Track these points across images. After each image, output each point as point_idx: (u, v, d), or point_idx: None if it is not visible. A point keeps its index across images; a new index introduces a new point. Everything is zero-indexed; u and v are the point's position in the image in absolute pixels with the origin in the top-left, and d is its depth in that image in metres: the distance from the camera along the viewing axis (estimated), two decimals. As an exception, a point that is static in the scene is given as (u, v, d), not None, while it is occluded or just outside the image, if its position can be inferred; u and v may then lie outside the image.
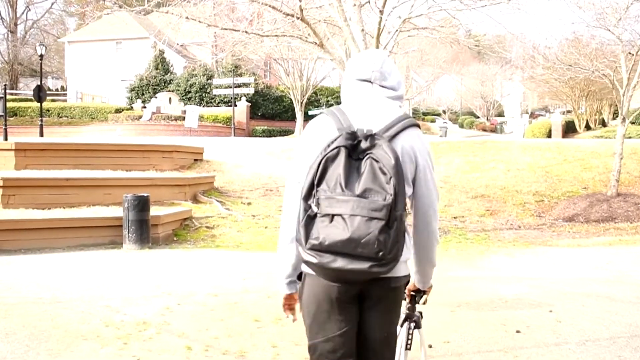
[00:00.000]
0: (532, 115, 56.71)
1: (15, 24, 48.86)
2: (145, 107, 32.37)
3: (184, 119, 29.77)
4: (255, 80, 32.54)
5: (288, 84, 31.30)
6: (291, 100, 32.30)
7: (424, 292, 2.48)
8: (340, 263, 1.90)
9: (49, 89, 44.61)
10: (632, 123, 13.40)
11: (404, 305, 2.46)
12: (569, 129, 36.56)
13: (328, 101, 36.10)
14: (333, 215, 1.90)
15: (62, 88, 46.71)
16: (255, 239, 9.19)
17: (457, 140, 20.15)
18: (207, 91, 34.48)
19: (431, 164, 2.16)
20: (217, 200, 11.16)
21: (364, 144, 1.97)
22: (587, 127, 37.80)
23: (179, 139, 19.29)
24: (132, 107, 33.80)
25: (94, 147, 12.35)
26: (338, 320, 2.08)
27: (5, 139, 17.95)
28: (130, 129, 29.29)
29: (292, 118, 34.14)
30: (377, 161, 1.93)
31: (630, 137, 15.09)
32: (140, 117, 31.09)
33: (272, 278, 5.74)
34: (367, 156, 1.95)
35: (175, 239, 9.08)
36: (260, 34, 10.36)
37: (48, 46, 41.98)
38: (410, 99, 49.98)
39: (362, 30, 9.77)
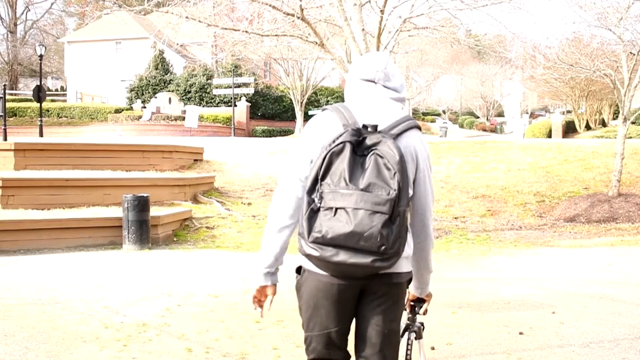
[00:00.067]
0: (532, 115, 56.68)
1: (15, 24, 48.83)
2: (145, 107, 32.33)
3: (183, 119, 29.74)
4: (255, 80, 32.51)
5: (288, 84, 31.28)
6: (291, 100, 32.27)
7: (424, 301, 2.44)
8: (342, 257, 1.91)
9: (49, 89, 44.61)
10: (633, 123, 13.37)
11: (405, 316, 2.42)
12: (569, 129, 36.54)
13: (328, 101, 36.06)
14: (336, 209, 1.91)
15: (62, 88, 46.68)
16: (255, 239, 9.15)
17: (458, 140, 20.12)
18: (207, 91, 34.45)
19: (430, 167, 2.18)
20: (217, 201, 11.13)
21: (369, 140, 1.98)
22: (587, 127, 37.79)
23: (178, 139, 19.26)
24: (131, 107, 33.76)
25: (93, 147, 12.31)
26: (335, 316, 2.09)
27: (5, 139, 17.91)
28: (130, 129, 29.25)
29: (292, 118, 34.12)
30: (381, 157, 1.95)
31: (630, 137, 15.05)
32: (140, 117, 31.05)
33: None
34: (372, 152, 1.97)
35: (175, 239, 9.04)
36: (260, 34, 10.33)
37: (48, 46, 41.92)
38: (410, 99, 49.96)
39: (363, 30, 9.74)
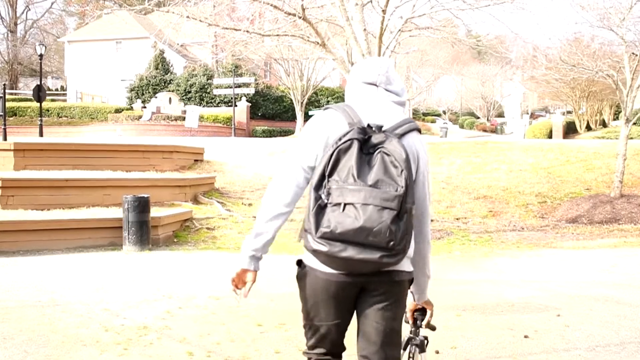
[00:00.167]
0: (532, 116, 56.63)
1: (15, 24, 48.78)
2: (145, 107, 32.28)
3: (184, 119, 29.69)
4: (255, 80, 32.46)
5: (288, 84, 31.23)
6: (291, 100, 32.22)
7: (426, 313, 2.38)
8: (350, 252, 1.92)
9: (49, 89, 44.53)
10: (634, 124, 13.28)
11: (407, 329, 2.37)
12: (570, 130, 36.51)
13: (328, 101, 36.01)
14: (345, 205, 1.93)
15: (62, 88, 46.62)
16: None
17: (459, 141, 20.07)
18: (207, 91, 34.40)
19: (428, 170, 2.22)
20: (218, 201, 11.07)
21: (374, 139, 2.01)
22: (588, 128, 37.75)
23: (179, 139, 19.20)
24: (132, 107, 33.71)
25: (93, 147, 12.26)
26: (334, 313, 2.12)
27: (5, 139, 17.86)
28: (130, 129, 29.20)
29: (293, 118, 34.07)
30: (388, 155, 1.98)
31: (632, 138, 14.99)
32: (140, 117, 31.00)
33: (274, 281, 5.65)
34: (379, 150, 1.99)
35: (175, 240, 8.99)
36: (261, 34, 10.28)
37: (48, 46, 41.91)
38: (411, 99, 49.92)
39: (365, 30, 9.69)
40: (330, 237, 1.93)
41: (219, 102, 34.49)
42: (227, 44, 13.92)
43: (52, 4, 52.83)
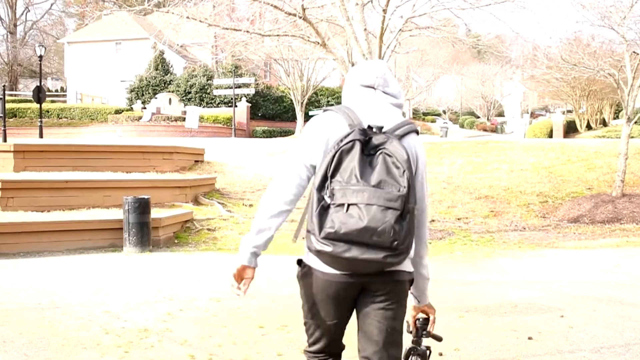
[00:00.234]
0: (532, 115, 56.60)
1: (15, 25, 48.76)
2: (145, 108, 32.25)
3: (184, 119, 29.66)
4: (255, 80, 32.43)
5: (288, 85, 31.20)
6: (291, 100, 32.19)
7: (428, 320, 2.34)
8: (354, 252, 1.93)
9: (49, 90, 44.51)
10: (635, 123, 13.22)
11: (408, 337, 2.34)
12: (570, 129, 36.47)
13: (329, 102, 35.99)
14: (348, 205, 1.94)
15: (62, 89, 46.59)
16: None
17: (460, 141, 20.04)
18: (207, 92, 34.37)
19: (426, 171, 2.23)
20: (219, 202, 11.04)
21: (375, 140, 2.03)
22: (588, 127, 37.71)
23: (179, 140, 19.16)
24: (132, 108, 33.68)
25: (93, 148, 12.23)
26: (334, 313, 2.14)
27: (5, 140, 17.83)
28: (130, 130, 29.18)
29: (293, 118, 34.04)
30: (390, 156, 2.00)
31: (633, 137, 14.94)
32: (140, 118, 30.97)
33: (275, 282, 5.62)
34: (380, 151, 2.01)
35: (176, 241, 8.96)
36: (261, 34, 10.25)
37: (47, 47, 41.85)
38: (411, 99, 49.91)
39: (365, 29, 9.66)
40: (334, 237, 1.93)
41: (219, 103, 34.46)
42: (227, 45, 13.89)
43: (51, 5, 52.87)
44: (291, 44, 13.35)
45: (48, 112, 31.96)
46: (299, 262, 2.18)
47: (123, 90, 37.19)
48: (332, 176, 1.99)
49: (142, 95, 34.95)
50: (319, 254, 1.99)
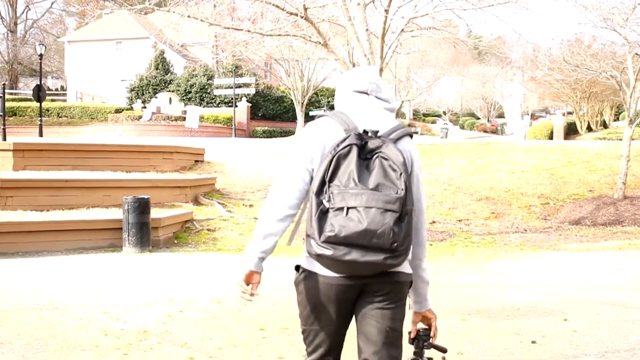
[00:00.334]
0: (533, 117, 56.60)
1: (15, 24, 48.69)
2: (145, 108, 32.20)
3: (184, 119, 29.62)
4: (255, 80, 32.38)
5: (289, 85, 31.17)
6: (292, 100, 32.15)
7: (430, 332, 2.27)
8: (354, 255, 1.94)
9: (49, 89, 44.46)
10: (637, 125, 13.15)
11: (410, 348, 2.29)
12: (571, 131, 36.46)
13: (329, 102, 35.95)
14: (348, 208, 1.96)
15: (62, 88, 46.55)
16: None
17: (460, 142, 19.99)
18: (208, 91, 34.33)
19: (421, 173, 2.25)
20: (219, 202, 10.99)
21: (371, 144, 2.06)
22: (589, 129, 37.71)
23: (179, 140, 19.12)
24: (132, 108, 33.63)
25: (93, 147, 12.18)
26: (333, 316, 2.14)
27: (4, 139, 17.77)
28: (130, 129, 29.12)
29: (293, 119, 33.99)
30: (386, 159, 2.02)
31: (634, 139, 14.90)
32: (141, 117, 30.92)
33: (276, 284, 5.57)
34: (376, 155, 2.04)
35: (176, 242, 8.91)
36: (262, 34, 10.20)
37: (48, 46, 41.82)
38: (411, 100, 49.88)
39: (367, 30, 9.62)
40: (334, 241, 1.94)
41: (219, 103, 34.41)
42: (228, 44, 13.84)
43: (52, 3, 52.84)
44: (292, 44, 13.31)
45: (48, 111, 31.92)
46: (297, 267, 2.18)
47: (123, 90, 37.14)
48: (330, 180, 2.01)
49: (143, 94, 34.89)
50: (319, 257, 2.01)
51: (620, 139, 18.65)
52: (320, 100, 36.07)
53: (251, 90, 31.76)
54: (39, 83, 24.36)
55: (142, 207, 8.10)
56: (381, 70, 9.89)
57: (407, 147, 2.17)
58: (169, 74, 35.78)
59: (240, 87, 30.96)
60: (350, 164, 2.01)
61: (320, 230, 1.97)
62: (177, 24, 10.40)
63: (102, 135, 26.98)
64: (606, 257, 8.12)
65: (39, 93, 22.83)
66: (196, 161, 13.90)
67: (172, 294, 5.72)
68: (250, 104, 33.90)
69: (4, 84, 21.41)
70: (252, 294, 2.13)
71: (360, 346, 2.14)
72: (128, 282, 6.26)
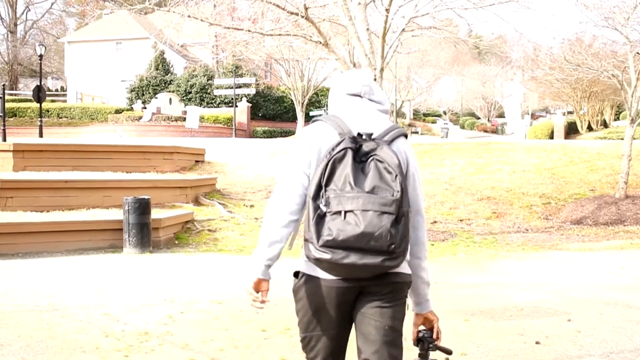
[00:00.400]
0: (533, 116, 56.57)
1: (15, 24, 48.67)
2: (145, 108, 32.17)
3: (184, 119, 29.59)
4: (256, 80, 32.35)
5: (289, 85, 31.15)
6: (292, 101, 32.13)
7: (432, 336, 2.24)
8: (352, 258, 1.96)
9: (49, 90, 44.45)
10: (638, 124, 13.07)
11: (415, 350, 2.26)
12: (571, 130, 36.43)
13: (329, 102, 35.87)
14: (345, 212, 1.97)
15: (62, 88, 46.52)
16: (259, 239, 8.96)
17: (461, 142, 19.97)
18: (208, 92, 34.30)
19: (418, 172, 2.25)
20: (219, 203, 10.96)
21: (366, 147, 2.07)
22: (589, 129, 37.68)
23: (179, 140, 19.07)
24: (132, 108, 33.60)
25: (93, 148, 12.14)
26: (334, 319, 2.14)
27: (4, 139, 17.74)
28: (131, 129, 29.09)
29: (293, 119, 33.96)
30: (381, 162, 2.04)
31: (635, 139, 14.88)
32: (141, 117, 30.89)
33: (277, 285, 5.52)
34: (371, 158, 2.05)
35: (176, 242, 8.88)
36: (263, 33, 10.17)
37: (48, 46, 41.77)
38: (411, 100, 49.85)
39: (367, 29, 9.59)
40: (332, 244, 1.96)
41: (219, 103, 34.38)
42: (228, 44, 13.81)
43: (52, 4, 52.78)
44: (292, 43, 13.28)
45: (48, 111, 31.89)
46: (296, 274, 2.20)
47: (123, 90, 37.11)
48: (327, 185, 2.03)
49: (143, 95, 34.87)
50: (318, 261, 2.02)
51: (621, 139, 18.62)
52: (321, 100, 36.03)
53: (251, 91, 31.73)
54: (39, 84, 24.33)
55: (142, 208, 8.07)
56: (382, 69, 9.86)
57: (402, 148, 2.18)
58: (169, 75, 35.75)
59: (240, 87, 30.93)
60: (346, 168, 2.02)
61: (318, 235, 1.98)
62: (177, 24, 10.37)
63: (102, 136, 26.94)
64: (608, 257, 8.09)
65: (39, 94, 22.80)
66: (196, 161, 13.87)
67: (173, 295, 5.69)
68: (251, 104, 33.87)
69: (3, 85, 21.38)
70: (262, 301, 2.15)
71: (360, 346, 2.13)
72: (129, 283, 6.23)
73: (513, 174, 13.42)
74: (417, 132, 42.70)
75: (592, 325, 4.79)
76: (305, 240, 2.04)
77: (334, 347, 2.19)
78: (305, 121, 29.94)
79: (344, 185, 2.00)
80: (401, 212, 1.99)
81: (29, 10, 51.37)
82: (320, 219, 2.00)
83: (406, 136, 2.24)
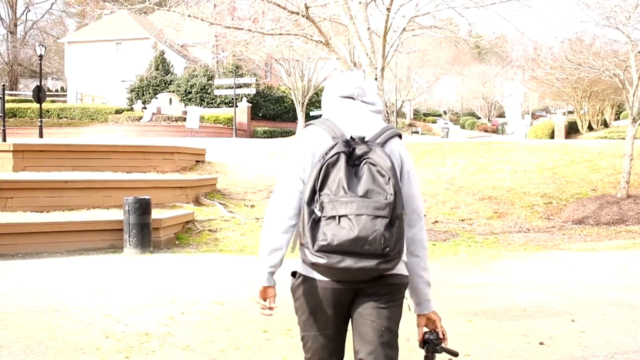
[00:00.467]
0: (533, 116, 56.54)
1: (15, 25, 48.64)
2: (145, 108, 32.14)
3: (184, 119, 29.56)
4: (256, 80, 32.31)
5: (289, 85, 31.10)
6: (292, 101, 32.08)
7: (439, 338, 2.21)
8: (348, 262, 1.97)
9: (49, 90, 44.41)
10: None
11: (421, 352, 2.24)
12: (572, 130, 36.41)
13: (329, 102, 35.84)
14: (339, 217, 1.98)
15: (62, 89, 46.49)
16: (259, 242, 8.93)
17: (462, 141, 19.94)
18: (208, 92, 34.27)
19: (414, 171, 2.25)
20: (220, 203, 10.92)
21: (359, 151, 2.08)
22: (590, 128, 37.66)
23: (179, 140, 19.05)
24: (132, 108, 33.57)
25: (93, 148, 12.11)
26: (331, 320, 2.15)
27: (4, 140, 17.72)
28: (131, 130, 29.06)
29: (294, 119, 33.92)
30: (374, 165, 2.05)
31: (637, 138, 14.85)
32: (141, 118, 30.87)
33: (279, 285, 5.48)
34: (364, 161, 2.06)
35: (177, 243, 8.84)
36: (264, 32, 10.13)
37: (48, 47, 41.75)
38: (412, 99, 49.82)
39: (368, 28, 9.56)
40: (327, 249, 1.97)
41: (219, 103, 34.35)
42: (228, 44, 13.78)
43: (52, 5, 52.76)
44: (293, 43, 13.25)
45: (48, 112, 31.85)
46: (293, 274, 2.22)
47: (123, 90, 37.08)
48: (320, 189, 2.04)
49: (143, 95, 34.83)
50: (314, 266, 2.04)
51: (622, 138, 18.58)
52: (321, 101, 36.00)
53: (252, 91, 31.70)
54: (39, 84, 24.30)
55: (143, 208, 8.03)
56: (383, 69, 9.83)
57: (395, 149, 2.18)
58: (169, 75, 35.72)
59: (240, 87, 30.90)
60: (339, 172, 2.03)
61: (314, 240, 2.00)
62: (178, 24, 10.34)
63: (102, 136, 26.91)
64: (611, 257, 8.05)
65: (39, 94, 22.77)
66: (197, 161, 13.84)
67: (174, 296, 5.65)
68: (251, 104, 33.83)
69: (3, 85, 21.36)
70: (270, 308, 2.18)
71: (356, 347, 2.15)
72: (129, 284, 6.19)
73: (514, 174, 13.39)
74: (417, 132, 42.67)
75: (596, 326, 4.75)
76: (301, 244, 2.06)
77: (332, 348, 2.20)
78: (305, 121, 29.88)
79: (337, 189, 2.01)
80: (395, 215, 2.00)
81: (29, 10, 51.40)
82: (315, 223, 2.02)
83: (400, 136, 2.24)
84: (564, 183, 12.79)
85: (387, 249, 1.97)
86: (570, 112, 45.80)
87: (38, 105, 23.50)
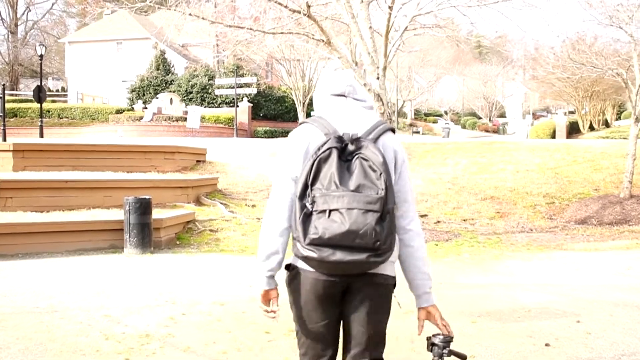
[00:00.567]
0: (534, 116, 56.48)
1: (16, 25, 48.61)
2: (146, 108, 32.08)
3: (185, 119, 29.50)
4: (257, 80, 32.25)
5: (290, 85, 31.04)
6: (293, 100, 32.02)
7: (448, 338, 2.16)
8: (339, 255, 2.00)
9: (50, 90, 44.37)
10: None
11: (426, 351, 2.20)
12: (573, 130, 36.37)
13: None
14: (330, 211, 2.00)
15: (63, 89, 46.45)
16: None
17: (463, 141, 19.88)
18: (209, 92, 34.21)
19: (408, 164, 2.26)
20: (221, 203, 10.87)
21: (351, 146, 2.11)
22: (591, 128, 37.61)
23: (180, 140, 19.00)
24: (133, 108, 33.50)
25: (94, 148, 12.06)
26: (322, 311, 2.17)
27: (4, 139, 17.67)
28: (131, 129, 29.00)
29: (294, 119, 33.86)
30: (366, 160, 2.07)
31: (639, 137, 14.77)
32: (142, 117, 30.81)
33: (280, 286, 5.43)
34: (356, 156, 2.08)
35: (178, 243, 8.79)
36: (265, 31, 10.08)
37: (48, 47, 41.74)
38: (412, 99, 49.77)
39: (370, 27, 9.51)
40: (319, 243, 2.00)
41: (220, 103, 34.29)
42: (229, 44, 13.74)
43: (52, 4, 52.75)
44: (294, 42, 13.21)
45: (49, 112, 31.80)
46: (287, 267, 2.23)
47: (124, 90, 37.02)
48: (312, 184, 2.06)
49: (143, 95, 34.78)
50: (306, 259, 2.07)
51: (624, 138, 18.52)
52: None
53: (252, 90, 31.63)
54: (39, 84, 24.26)
55: (143, 208, 7.98)
56: (384, 68, 9.78)
57: (388, 143, 2.19)
58: (170, 75, 35.66)
59: (241, 87, 30.84)
60: (331, 167, 2.05)
61: (305, 233, 2.03)
62: (179, 23, 10.30)
63: (103, 136, 26.86)
64: (614, 257, 8.00)
65: (40, 94, 22.73)
66: (198, 161, 13.79)
67: (175, 296, 5.60)
68: (252, 104, 33.77)
69: (4, 85, 21.32)
70: (274, 311, 2.21)
71: (345, 345, 2.20)
72: (129, 284, 6.14)
73: (516, 174, 13.33)
74: (418, 132, 42.61)
75: (602, 327, 4.69)
76: (294, 238, 2.09)
77: (325, 342, 2.20)
78: (306, 121, 29.83)
79: (329, 184, 2.04)
80: (386, 210, 2.02)
81: (30, 10, 51.36)
82: (306, 217, 2.04)
83: (393, 130, 2.24)
84: (566, 183, 12.73)
85: (378, 243, 1.99)
86: (571, 112, 45.75)
87: (38, 105, 23.46)
